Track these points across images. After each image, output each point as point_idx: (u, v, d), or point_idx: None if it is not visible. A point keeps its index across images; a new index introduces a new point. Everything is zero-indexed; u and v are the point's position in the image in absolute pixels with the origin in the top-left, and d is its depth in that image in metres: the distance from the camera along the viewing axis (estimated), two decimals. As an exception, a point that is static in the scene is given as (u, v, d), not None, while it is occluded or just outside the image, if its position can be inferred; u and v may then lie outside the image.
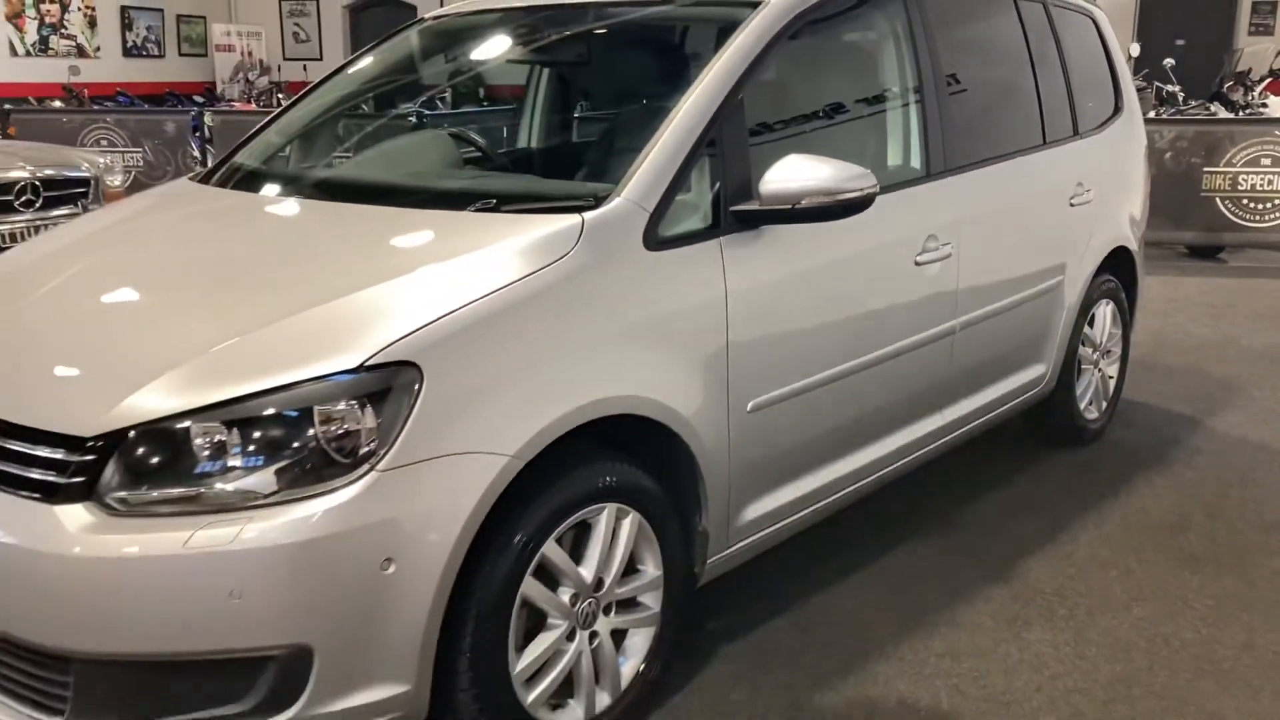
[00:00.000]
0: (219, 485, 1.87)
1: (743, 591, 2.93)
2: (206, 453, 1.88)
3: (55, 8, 14.71)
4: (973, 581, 3.05)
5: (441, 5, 15.75)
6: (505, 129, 3.60)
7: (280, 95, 14.40)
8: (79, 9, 15.08)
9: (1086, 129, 3.95)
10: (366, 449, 1.88)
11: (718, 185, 2.46)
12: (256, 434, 1.88)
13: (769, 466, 2.63)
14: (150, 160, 10.96)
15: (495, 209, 2.41)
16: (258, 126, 3.22)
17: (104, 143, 10.80)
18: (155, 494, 1.87)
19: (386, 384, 1.91)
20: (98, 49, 15.42)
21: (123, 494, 1.87)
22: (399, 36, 3.45)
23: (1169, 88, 10.34)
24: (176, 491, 1.87)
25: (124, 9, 15.86)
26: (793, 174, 2.41)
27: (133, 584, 1.84)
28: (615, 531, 2.26)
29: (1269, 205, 7.92)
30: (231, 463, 1.87)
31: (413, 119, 3.33)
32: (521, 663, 2.12)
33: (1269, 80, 10.81)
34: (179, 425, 1.88)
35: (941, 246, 3.04)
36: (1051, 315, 3.73)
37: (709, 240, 2.42)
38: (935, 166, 3.10)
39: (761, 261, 2.51)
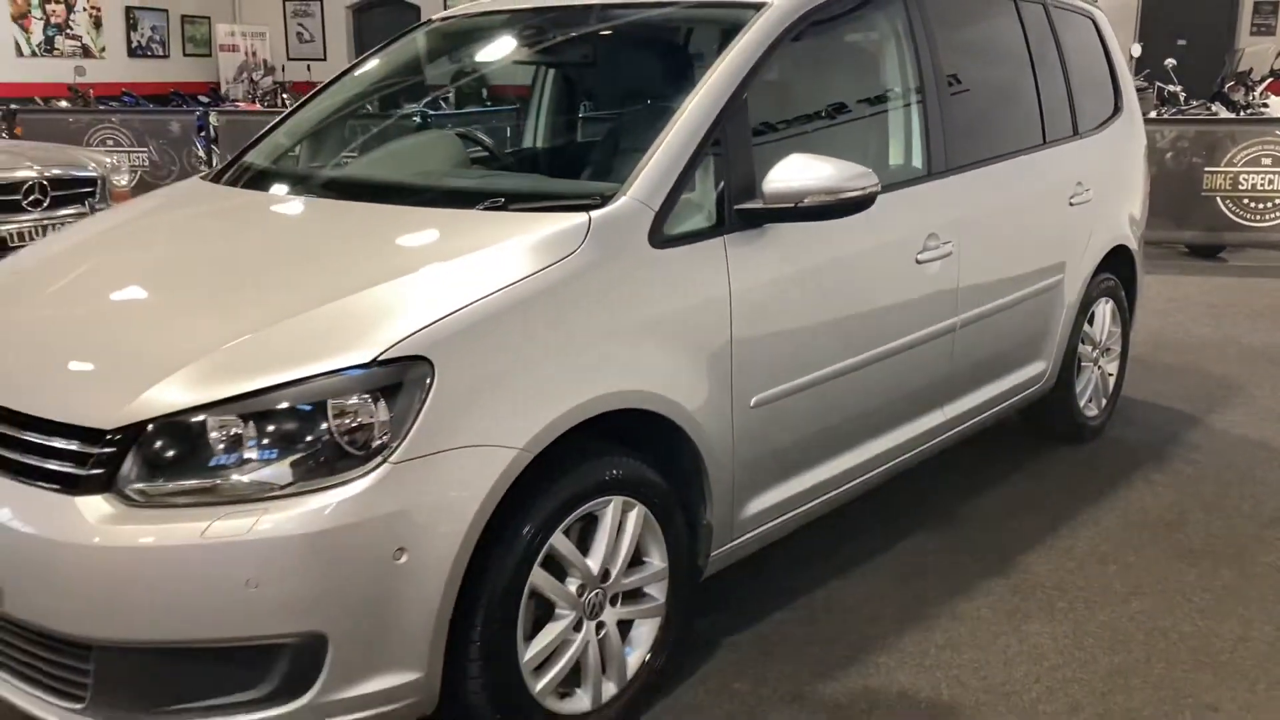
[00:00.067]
0: (235, 477, 1.91)
1: (747, 584, 2.97)
2: (223, 445, 1.92)
3: (61, 8, 14.77)
4: (973, 575, 3.09)
5: (445, 6, 15.83)
6: (512, 129, 3.64)
7: (285, 95, 14.45)
8: (84, 9, 15.14)
9: (1086, 129, 3.98)
10: (379, 442, 1.92)
11: (722, 184, 2.50)
12: (272, 427, 1.93)
13: (772, 461, 2.67)
14: (155, 160, 11.02)
15: (504, 207, 2.46)
16: (268, 127, 3.26)
17: (110, 143, 10.86)
18: (173, 485, 1.91)
19: (399, 378, 1.95)
20: (103, 49, 15.47)
21: (141, 485, 1.91)
22: (407, 37, 3.50)
23: (1170, 88, 10.37)
24: (194, 483, 1.91)
25: (129, 9, 15.92)
26: (795, 173, 2.45)
27: (151, 573, 1.88)
28: (621, 524, 2.30)
29: (1269, 205, 7.96)
30: (247, 455, 1.92)
31: (421, 119, 3.37)
32: (530, 651, 2.16)
33: (1270, 80, 10.83)
34: (196, 418, 1.92)
35: (942, 245, 3.08)
36: (1051, 313, 3.77)
37: (713, 238, 2.46)
38: (936, 166, 3.15)
39: (765, 259, 2.55)
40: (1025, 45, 3.72)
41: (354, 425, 1.92)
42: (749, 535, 2.66)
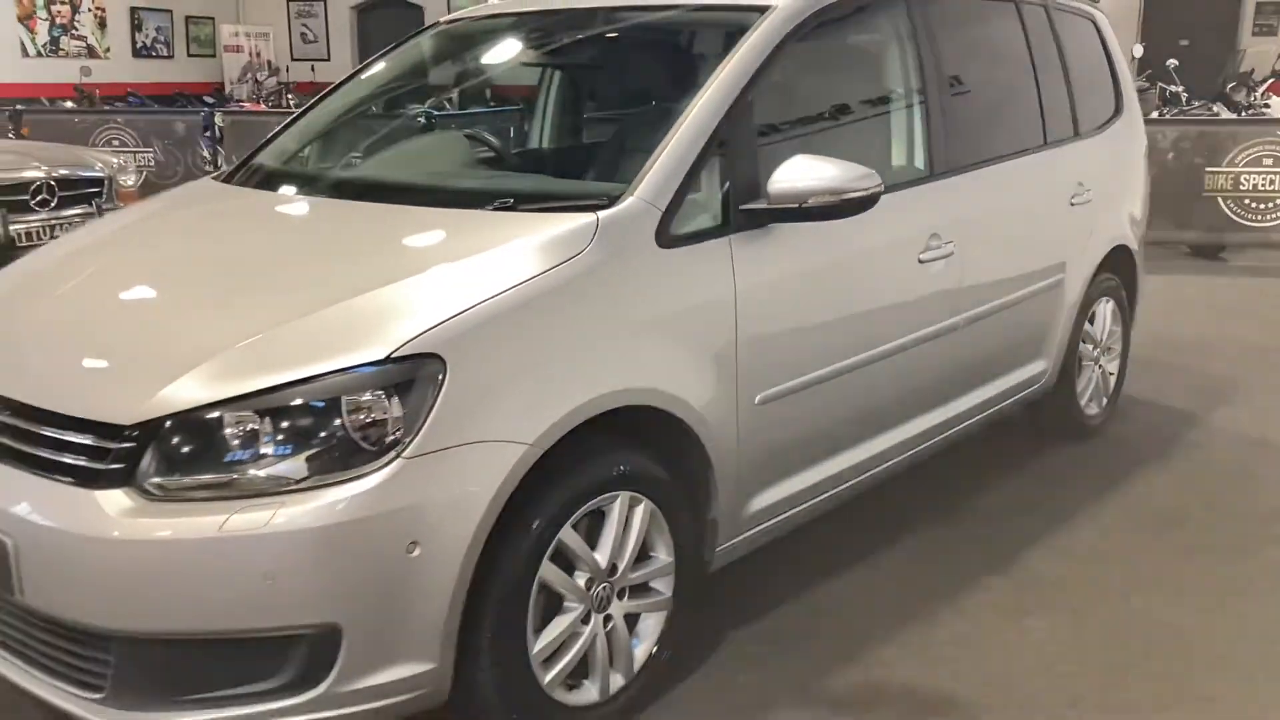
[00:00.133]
0: (252, 471, 1.95)
1: (752, 579, 3.01)
2: (240, 441, 1.96)
3: (66, 9, 14.82)
4: (975, 571, 3.12)
5: (449, 6, 15.87)
6: (521, 130, 3.69)
7: (289, 96, 14.49)
8: (89, 10, 15.19)
9: (1087, 130, 4.02)
10: (393, 437, 1.96)
11: (727, 185, 2.54)
12: (287, 423, 1.96)
13: (776, 458, 2.71)
14: (161, 160, 11.06)
15: (513, 208, 2.50)
16: (279, 128, 3.31)
17: (115, 143, 10.91)
18: (191, 479, 1.96)
19: (411, 375, 1.99)
20: (108, 50, 15.53)
21: (160, 480, 1.96)
22: (416, 39, 3.54)
23: (1172, 88, 10.40)
24: (211, 477, 1.95)
25: (133, 10, 15.97)
26: (800, 174, 2.49)
27: (170, 566, 1.92)
28: (628, 519, 2.34)
29: (1271, 205, 7.99)
30: (264, 450, 1.96)
31: (431, 120, 3.41)
32: (539, 644, 2.20)
33: (1271, 81, 10.86)
34: (214, 414, 1.96)
35: (944, 245, 3.12)
36: (1052, 312, 3.81)
37: (719, 238, 2.50)
38: (938, 167, 3.18)
39: (769, 259, 2.59)
40: (1026, 47, 3.75)
41: (368, 421, 1.96)
42: (754, 531, 2.70)
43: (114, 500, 1.95)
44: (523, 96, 3.69)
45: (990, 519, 3.50)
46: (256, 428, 1.96)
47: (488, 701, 2.16)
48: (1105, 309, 4.18)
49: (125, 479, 1.96)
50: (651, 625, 2.45)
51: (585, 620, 2.29)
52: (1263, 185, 7.97)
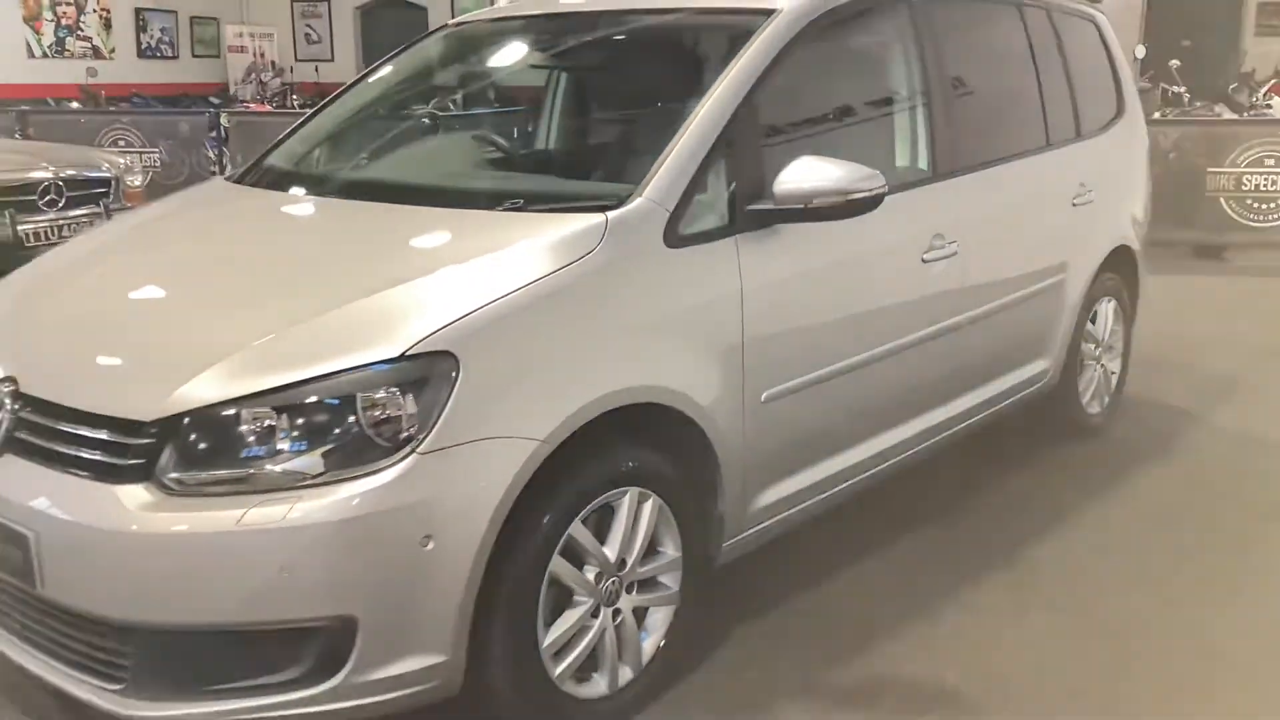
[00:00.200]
0: (269, 467, 1.99)
1: (758, 575, 3.04)
2: (257, 436, 2.00)
3: (71, 10, 14.87)
4: (977, 568, 3.16)
5: (452, 7, 15.90)
6: (531, 132, 3.73)
7: (294, 97, 14.53)
8: (94, 11, 15.23)
9: (1089, 131, 4.05)
10: (407, 433, 2.00)
11: (733, 185, 2.57)
12: (304, 419, 2.01)
13: (782, 455, 2.75)
14: (166, 160, 11.11)
15: (523, 208, 2.54)
16: (289, 129, 3.35)
17: (121, 143, 10.96)
18: (210, 474, 2.00)
19: (425, 372, 2.03)
20: (113, 50, 15.56)
21: (179, 475, 2.00)
22: (426, 41, 3.58)
23: (1174, 88, 10.42)
24: (229, 472, 2.00)
25: (138, 10, 16.01)
26: (805, 175, 2.53)
27: (190, 559, 1.97)
28: (637, 514, 2.38)
29: (1272, 205, 8.02)
30: (280, 446, 2.00)
31: (441, 121, 3.45)
32: (550, 636, 2.24)
33: (1274, 81, 10.87)
34: (231, 411, 2.00)
35: (947, 245, 3.15)
36: (1054, 312, 3.84)
37: (725, 238, 2.54)
38: (942, 168, 3.22)
39: (775, 259, 2.63)
40: (1029, 49, 3.79)
41: (383, 417, 2.00)
42: (760, 527, 2.74)
43: (134, 495, 1.99)
44: (531, 98, 3.73)
45: (992, 516, 3.54)
46: (273, 424, 2.00)
47: (499, 693, 2.20)
48: (1107, 308, 4.22)
49: (145, 474, 2.00)
50: (659, 619, 2.49)
51: (595, 614, 2.33)
52: (1265, 185, 8.00)
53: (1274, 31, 13.62)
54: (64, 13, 14.77)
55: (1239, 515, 3.56)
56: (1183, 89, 10.41)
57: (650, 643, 2.47)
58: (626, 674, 2.42)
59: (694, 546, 2.53)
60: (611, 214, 2.39)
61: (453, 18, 3.59)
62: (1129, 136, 4.35)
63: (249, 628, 1.99)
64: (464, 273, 2.24)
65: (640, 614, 2.45)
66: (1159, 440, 4.21)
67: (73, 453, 2.08)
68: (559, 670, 2.27)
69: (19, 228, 7.18)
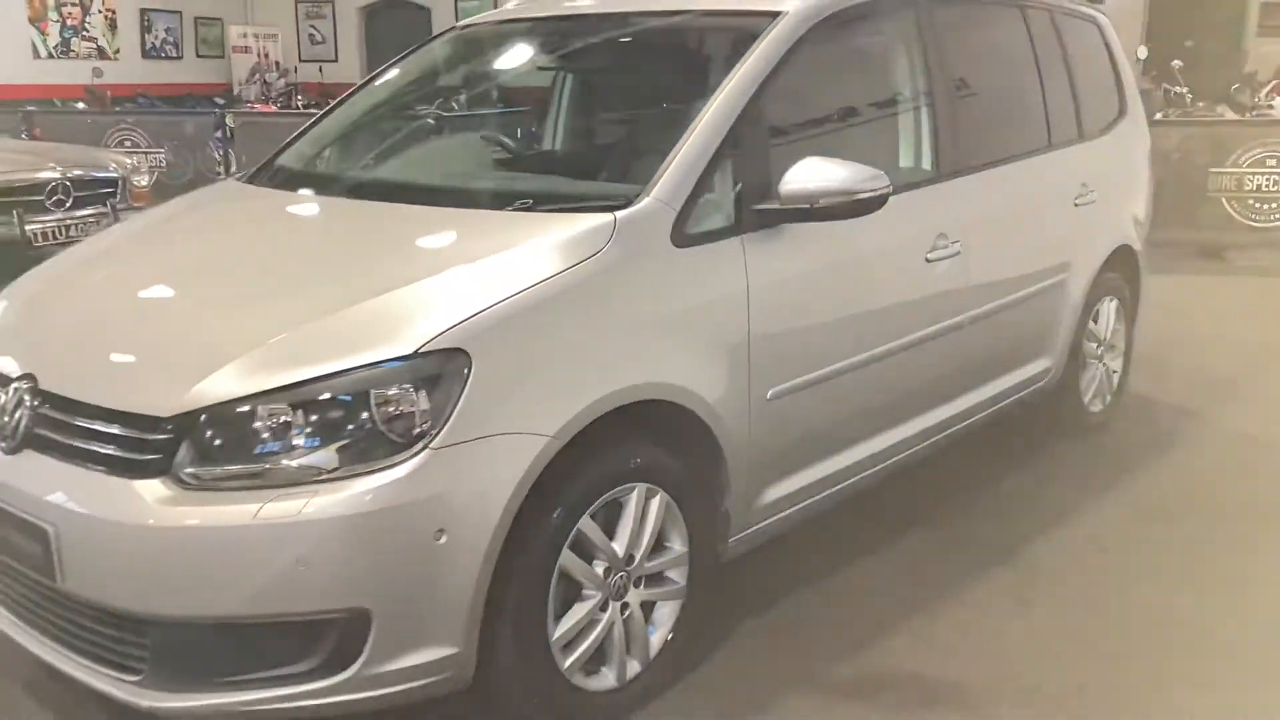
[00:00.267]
0: (284, 462, 2.03)
1: (762, 571, 3.07)
2: (273, 432, 2.03)
3: (77, 10, 14.92)
4: (980, 563, 3.19)
5: (455, 8, 15.92)
6: (539, 132, 3.76)
7: (299, 98, 14.58)
8: (100, 11, 15.28)
9: (1091, 132, 4.09)
10: (420, 429, 2.04)
11: (740, 186, 2.61)
12: (319, 415, 2.04)
13: (787, 452, 2.78)
14: (171, 161, 11.16)
15: (533, 208, 2.57)
16: (300, 130, 3.39)
17: (127, 144, 11.00)
18: (226, 470, 2.03)
19: (438, 369, 2.07)
20: (117, 51, 15.61)
21: (196, 470, 2.03)
22: (434, 43, 3.61)
23: (1176, 89, 10.45)
24: (245, 467, 2.03)
25: (143, 11, 16.06)
26: (810, 175, 2.56)
27: (207, 552, 2.00)
28: (644, 510, 2.41)
29: (1274, 205, 8.04)
30: (296, 441, 2.03)
31: (451, 122, 3.49)
32: (559, 630, 2.28)
33: (1276, 82, 10.90)
34: (248, 407, 2.04)
35: (951, 244, 3.18)
36: (1056, 311, 3.87)
37: (732, 238, 2.58)
38: (945, 168, 3.26)
39: (781, 258, 2.66)
40: (1031, 50, 3.82)
41: (396, 414, 2.04)
42: (765, 523, 2.77)
43: (152, 489, 2.03)
44: (539, 99, 3.76)
45: (995, 512, 3.57)
46: (289, 420, 2.04)
47: (510, 685, 2.24)
48: (1109, 308, 4.25)
49: (162, 469, 2.04)
50: (667, 613, 2.53)
51: (603, 608, 2.37)
52: (1266, 186, 8.03)
53: (1276, 32, 13.62)
54: (69, 13, 14.82)
55: (1239, 512, 3.60)
56: (1185, 90, 10.44)
57: (657, 636, 2.51)
58: (634, 667, 2.46)
59: (700, 542, 2.56)
60: (620, 214, 2.43)
61: (456, 18, 3.63)
62: (1131, 137, 4.38)
63: (265, 620, 2.02)
64: (475, 271, 2.28)
65: (648, 608, 2.49)
66: (1160, 438, 4.25)
67: (91, 448, 2.12)
68: (568, 663, 2.31)
69: (27, 228, 7.23)
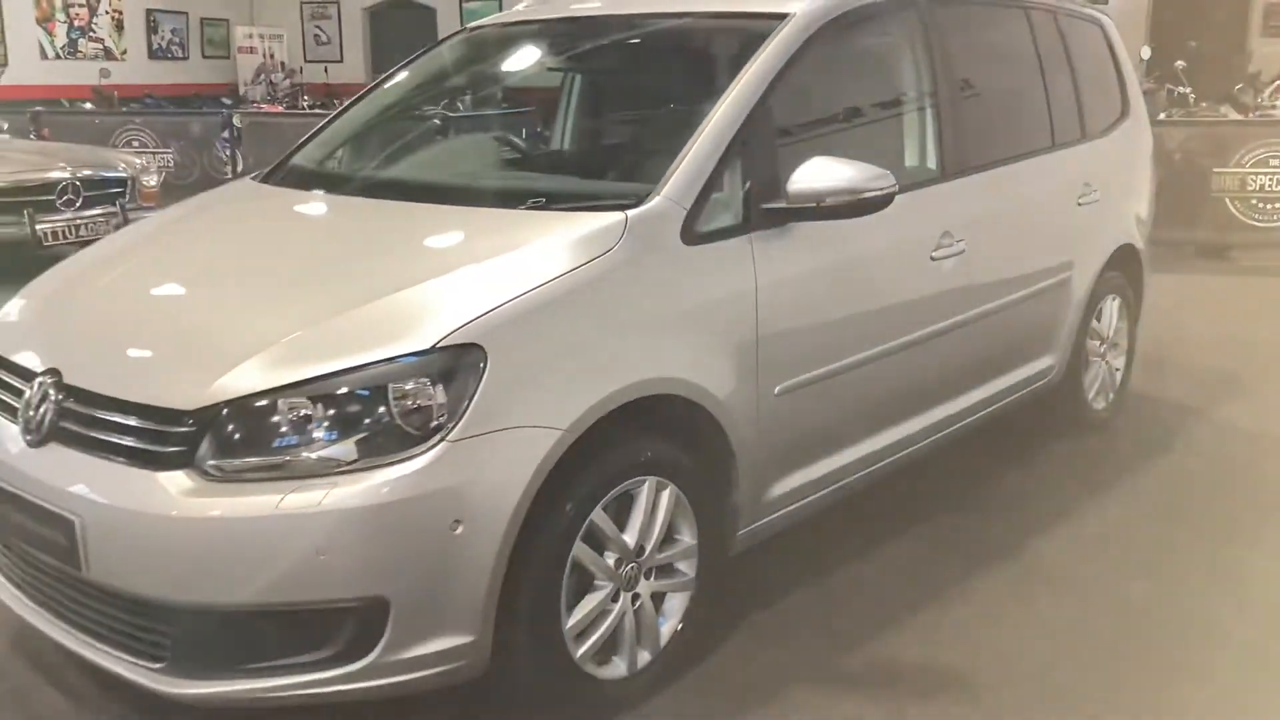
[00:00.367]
0: (304, 454, 2.07)
1: (771, 564, 3.11)
2: (293, 425, 2.08)
3: (84, 11, 14.99)
4: (984, 558, 3.23)
5: (460, 8, 15.97)
6: (551, 132, 3.81)
7: (304, 99, 14.63)
8: (106, 12, 15.35)
9: (1094, 132, 4.13)
10: (437, 422, 2.09)
11: (748, 185, 2.65)
12: (338, 409, 2.09)
13: (795, 446, 2.83)
14: (179, 161, 11.22)
15: (546, 207, 2.62)
16: (313, 130, 3.43)
17: (135, 144, 11.06)
18: (248, 461, 2.08)
19: (454, 364, 2.11)
20: (124, 52, 15.69)
21: (218, 461, 2.08)
22: (446, 44, 3.66)
23: (1180, 89, 10.47)
24: (266, 459, 2.08)
25: (149, 12, 16.13)
26: (818, 174, 2.61)
27: (229, 542, 2.05)
28: (655, 503, 2.46)
29: (1277, 205, 8.07)
30: (316, 434, 2.08)
31: (464, 122, 3.54)
32: (572, 619, 2.32)
33: (1279, 82, 10.92)
34: (269, 401, 2.09)
35: (955, 243, 3.23)
36: (1060, 309, 3.92)
37: (740, 236, 2.62)
38: (950, 168, 3.30)
39: (788, 256, 2.70)
40: (1035, 51, 3.87)
41: (414, 407, 2.09)
42: (773, 516, 2.82)
43: (175, 481, 2.08)
44: (552, 100, 3.81)
45: (999, 508, 3.61)
46: (309, 413, 2.08)
47: (523, 673, 2.29)
48: (1112, 306, 4.29)
49: (185, 461, 2.09)
50: (676, 605, 2.57)
51: (614, 598, 2.41)
52: (1269, 186, 8.06)
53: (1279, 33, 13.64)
54: (76, 14, 14.90)
55: (1240, 508, 3.64)
56: (1188, 90, 10.46)
57: (667, 627, 2.55)
58: (645, 656, 2.50)
59: (710, 535, 2.61)
60: (631, 212, 2.47)
61: (461, 18, 3.67)
62: (1133, 137, 4.42)
63: (285, 608, 2.07)
64: (490, 268, 2.33)
65: (658, 599, 2.53)
66: (1162, 435, 4.29)
67: (116, 441, 2.17)
68: (580, 652, 2.35)
69: (37, 227, 7.31)
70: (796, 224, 2.70)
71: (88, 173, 7.74)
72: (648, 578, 2.49)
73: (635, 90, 3.51)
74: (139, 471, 2.12)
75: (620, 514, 2.41)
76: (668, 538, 2.52)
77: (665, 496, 2.47)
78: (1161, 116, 8.78)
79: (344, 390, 2.10)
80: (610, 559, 2.39)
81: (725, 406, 2.55)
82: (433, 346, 2.11)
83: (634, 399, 2.35)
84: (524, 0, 3.76)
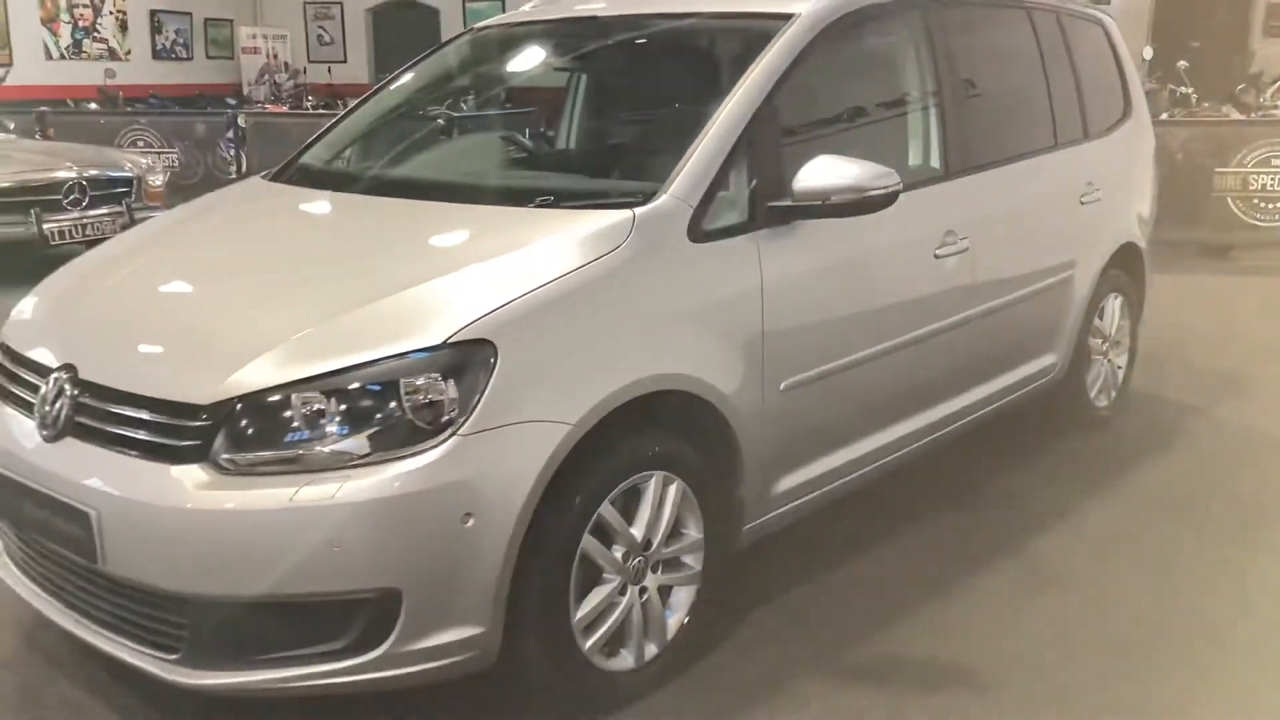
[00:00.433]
0: (318, 448, 2.10)
1: (776, 558, 3.14)
2: (306, 420, 2.11)
3: (88, 12, 15.03)
4: (987, 553, 3.26)
5: (464, 9, 16.00)
6: (559, 131, 3.84)
7: (308, 100, 14.66)
8: (111, 13, 15.40)
9: (1096, 132, 4.15)
10: (448, 417, 2.12)
11: (754, 183, 2.68)
12: (350, 403, 2.12)
13: (800, 442, 2.85)
14: (183, 161, 11.26)
15: (555, 205, 2.65)
16: (322, 130, 3.47)
17: (140, 144, 11.10)
18: (262, 455, 2.11)
19: (465, 359, 2.14)
20: (128, 52, 15.72)
21: (233, 455, 2.11)
22: (454, 44, 3.69)
23: (1182, 89, 10.49)
24: (280, 453, 2.11)
25: (153, 12, 16.17)
26: (823, 173, 2.64)
27: (244, 535, 2.08)
28: (662, 497, 2.49)
29: (1279, 205, 8.09)
30: (329, 428, 2.11)
31: (472, 121, 3.57)
32: (580, 611, 2.35)
33: (1281, 82, 10.94)
34: (282, 395, 2.12)
35: (959, 241, 3.26)
36: (1062, 307, 3.94)
37: (746, 234, 2.65)
38: (953, 166, 3.33)
39: (794, 253, 2.73)
40: (1038, 52, 3.89)
41: (425, 402, 2.12)
42: (778, 511, 2.85)
43: (191, 474, 2.11)
44: (560, 100, 3.84)
45: (1001, 504, 3.64)
46: (322, 408, 2.11)
47: (533, 665, 2.32)
48: (1114, 304, 4.32)
49: (201, 455, 2.12)
50: (683, 598, 2.60)
51: (622, 591, 2.44)
52: (1271, 185, 8.08)
53: (1283, 32, 13.65)
54: (81, 15, 14.94)
55: (1240, 506, 3.66)
56: (1190, 90, 10.47)
57: (674, 620, 2.58)
58: (651, 649, 2.53)
59: (716, 529, 2.64)
60: (639, 210, 2.50)
61: (464, 19, 3.71)
62: (1136, 137, 4.45)
63: (299, 599, 2.10)
64: (500, 265, 2.36)
65: (665, 592, 2.57)
66: (1164, 433, 4.31)
67: (131, 435, 2.20)
68: (589, 644, 2.38)
69: (44, 226, 7.35)
70: (802, 222, 2.73)
71: (94, 172, 7.78)
72: (654, 571, 2.52)
73: (642, 90, 3.54)
74: (155, 465, 2.15)
75: (628, 508, 2.44)
76: (674, 532, 2.55)
77: (672, 491, 2.50)
78: (1163, 116, 8.80)
79: (356, 385, 2.13)
80: (618, 552, 2.42)
81: (731, 402, 2.58)
82: (444, 342, 2.14)
83: (641, 394, 2.38)
84: (530, 1, 3.79)
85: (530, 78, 3.57)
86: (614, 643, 2.47)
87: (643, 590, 2.49)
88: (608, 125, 3.81)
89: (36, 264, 2.98)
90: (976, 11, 3.73)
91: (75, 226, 7.57)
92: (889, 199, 2.68)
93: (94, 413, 2.27)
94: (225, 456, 2.11)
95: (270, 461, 2.11)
